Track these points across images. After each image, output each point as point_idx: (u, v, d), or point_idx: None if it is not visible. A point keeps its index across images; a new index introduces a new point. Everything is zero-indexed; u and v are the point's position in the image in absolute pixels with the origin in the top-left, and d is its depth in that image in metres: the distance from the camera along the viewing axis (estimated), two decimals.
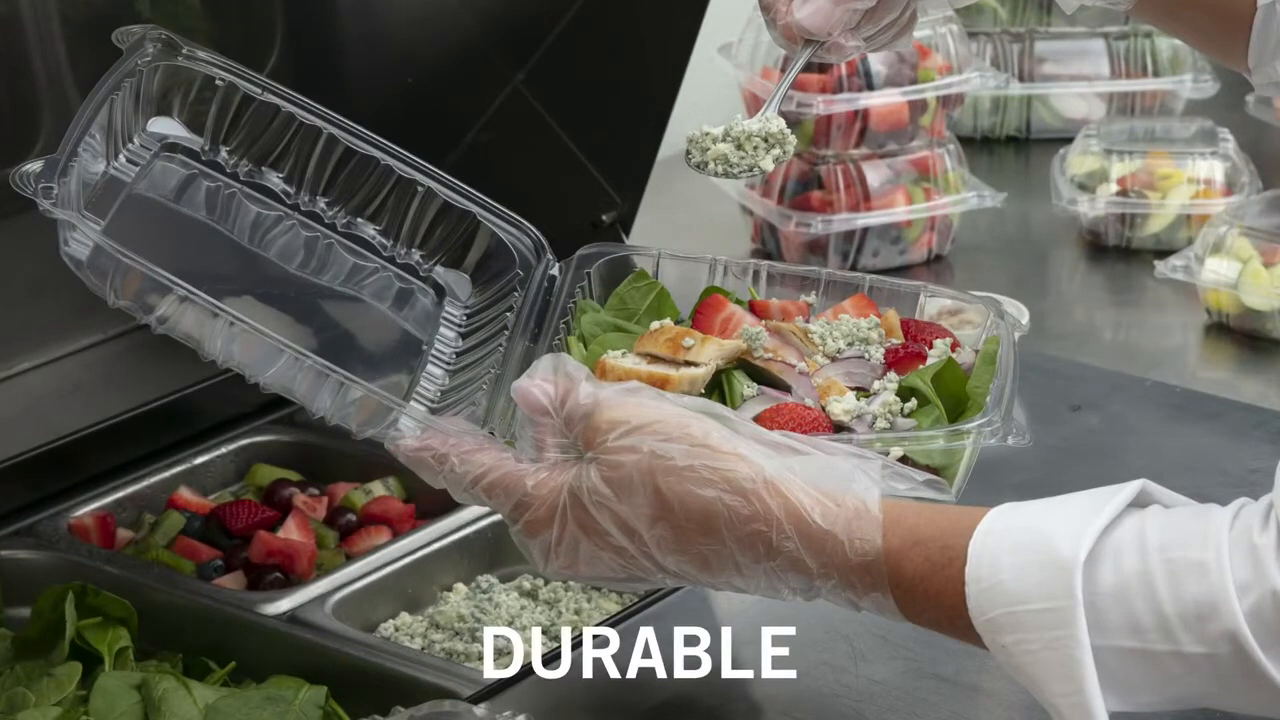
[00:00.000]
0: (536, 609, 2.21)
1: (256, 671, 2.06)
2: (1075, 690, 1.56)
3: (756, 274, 1.99)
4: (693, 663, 1.97)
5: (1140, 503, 1.62)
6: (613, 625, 2.03)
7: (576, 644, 1.99)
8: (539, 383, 1.71)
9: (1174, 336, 2.66)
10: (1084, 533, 1.57)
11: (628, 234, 2.63)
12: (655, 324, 1.89)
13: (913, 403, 1.81)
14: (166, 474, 2.35)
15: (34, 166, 1.76)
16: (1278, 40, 1.98)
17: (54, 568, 2.17)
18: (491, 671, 2.05)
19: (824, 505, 1.64)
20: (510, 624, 2.18)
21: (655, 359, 1.84)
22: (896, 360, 1.86)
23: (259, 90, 1.98)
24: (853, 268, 2.68)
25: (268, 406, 2.44)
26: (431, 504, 2.31)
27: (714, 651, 2.00)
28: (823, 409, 1.81)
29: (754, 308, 1.94)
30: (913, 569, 1.63)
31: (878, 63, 2.68)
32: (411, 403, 1.83)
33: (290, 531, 2.27)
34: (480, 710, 1.77)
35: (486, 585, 2.23)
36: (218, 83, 1.95)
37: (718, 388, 1.83)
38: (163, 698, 1.95)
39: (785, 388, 1.84)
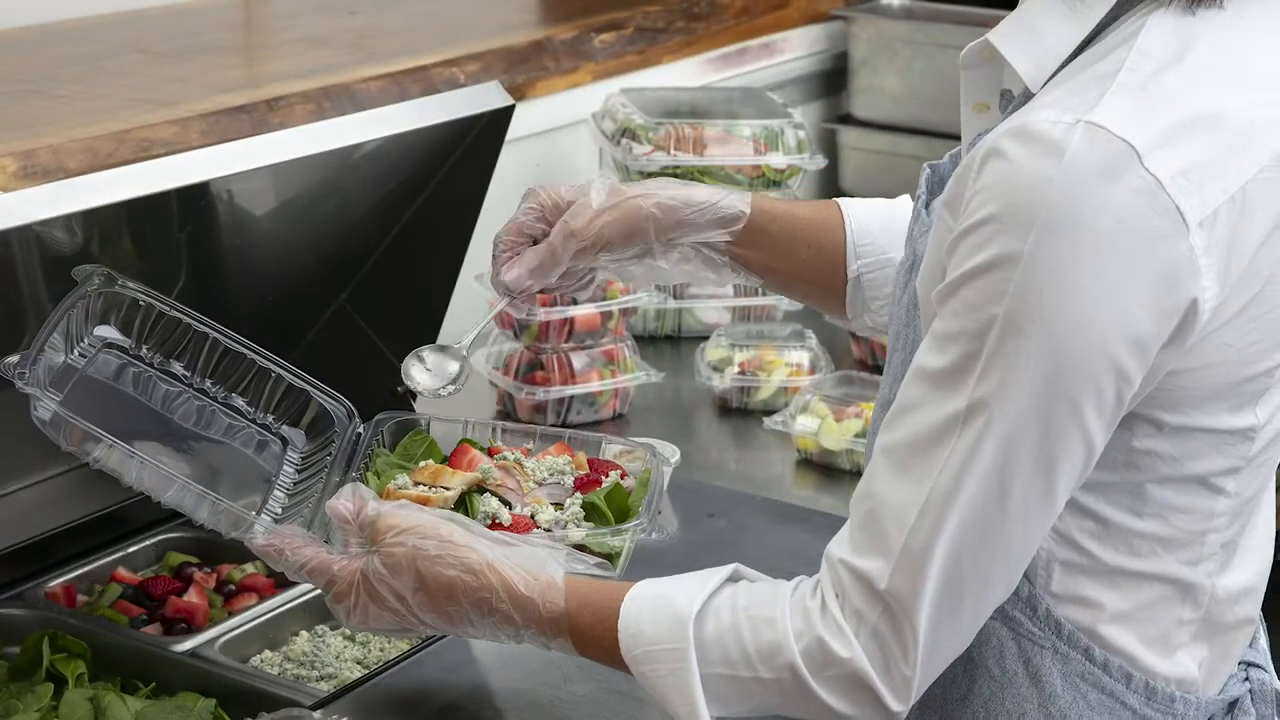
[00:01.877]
0: (355, 647, 2.22)
1: (170, 690, 2.07)
2: (689, 703, 1.61)
3: (494, 429, 2.05)
4: (458, 680, 2.02)
5: (735, 578, 1.66)
6: (406, 659, 2.06)
7: (380, 671, 2.04)
8: (343, 502, 1.76)
9: (775, 468, 2.66)
10: (695, 597, 1.62)
11: (414, 399, 2.47)
12: (423, 463, 1.95)
13: (586, 513, 1.89)
14: (109, 559, 2.33)
15: (13, 359, 1.85)
16: (864, 302, 1.95)
17: (34, 620, 2.17)
18: (323, 689, 2.09)
19: (526, 579, 1.68)
20: (337, 658, 2.19)
21: (422, 485, 1.89)
22: (581, 485, 1.93)
23: (168, 309, 2.02)
24: (563, 424, 2.68)
25: (175, 515, 2.23)
26: (285, 578, 2.13)
27: (475, 670, 2.06)
28: (532, 517, 1.87)
29: (490, 452, 1.98)
30: (584, 622, 1.66)
31: None
32: (262, 515, 1.88)
33: (192, 596, 2.26)
34: (317, 714, 1.87)
35: (322, 631, 2.24)
36: (140, 303, 2.01)
37: (463, 503, 1.88)
38: (107, 707, 1.99)
39: (508, 504, 1.88)
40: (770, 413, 2.75)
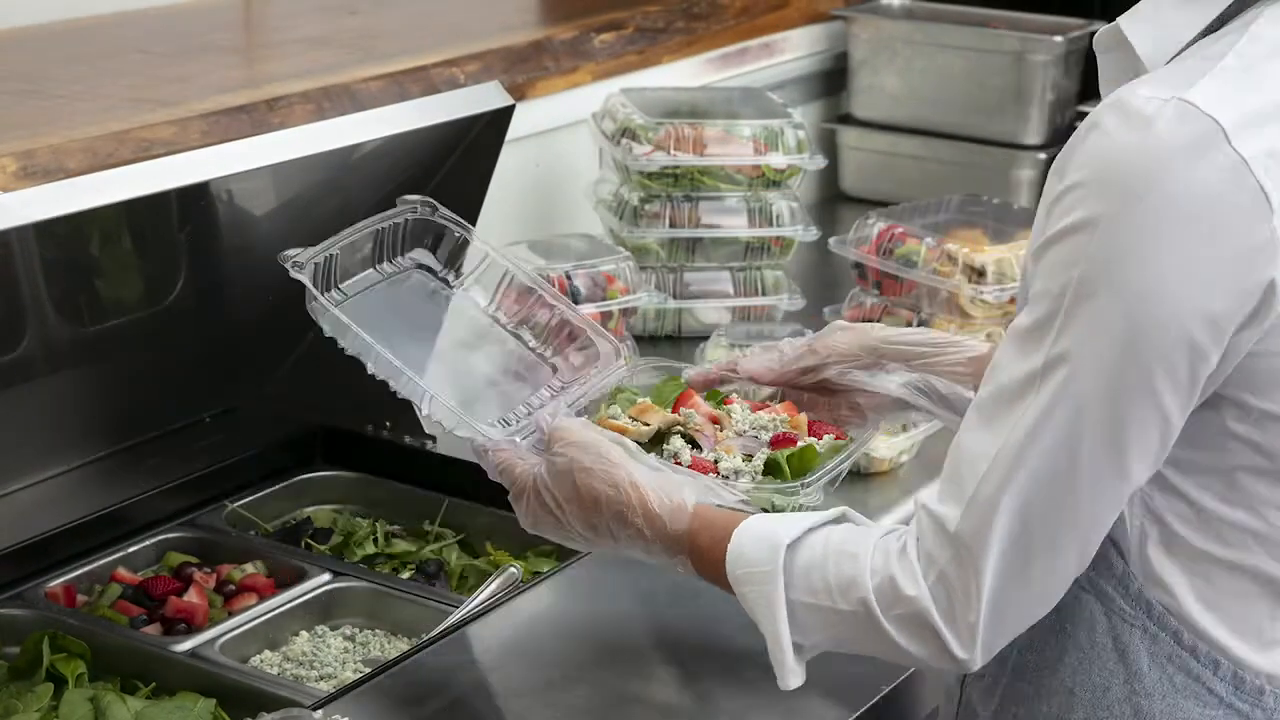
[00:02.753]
0: (353, 648, 2.24)
1: (169, 690, 2.08)
2: (773, 624, 1.70)
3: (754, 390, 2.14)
4: (458, 680, 2.02)
5: (840, 520, 1.76)
6: (406, 659, 2.04)
7: (380, 671, 2.03)
8: (546, 413, 1.93)
9: None
10: (795, 528, 1.72)
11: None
12: (641, 399, 2.08)
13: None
14: (110, 559, 2.34)
15: (292, 251, 1.94)
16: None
17: (35, 620, 2.18)
18: (323, 689, 2.10)
19: (660, 498, 1.80)
20: (337, 658, 2.21)
21: (629, 419, 2.03)
22: (777, 441, 2.02)
23: (472, 239, 2.11)
24: None
25: (176, 514, 2.42)
26: (285, 578, 2.32)
27: (475, 670, 2.06)
28: (715, 463, 1.98)
29: (725, 402, 2.10)
30: (702, 543, 1.78)
31: (580, 285, 2.70)
32: (474, 420, 1.94)
33: (191, 597, 2.27)
34: (317, 714, 1.86)
35: (321, 632, 2.26)
36: (454, 234, 2.11)
37: (658, 441, 2.01)
38: (107, 707, 2.01)
39: (698, 446, 2.01)
40: None
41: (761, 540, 1.73)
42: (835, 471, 2.01)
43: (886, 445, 2.58)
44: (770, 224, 3.06)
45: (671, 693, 2.02)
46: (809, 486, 1.97)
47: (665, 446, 2.01)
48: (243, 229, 2.32)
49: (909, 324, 2.93)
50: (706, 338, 2.87)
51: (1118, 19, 1.66)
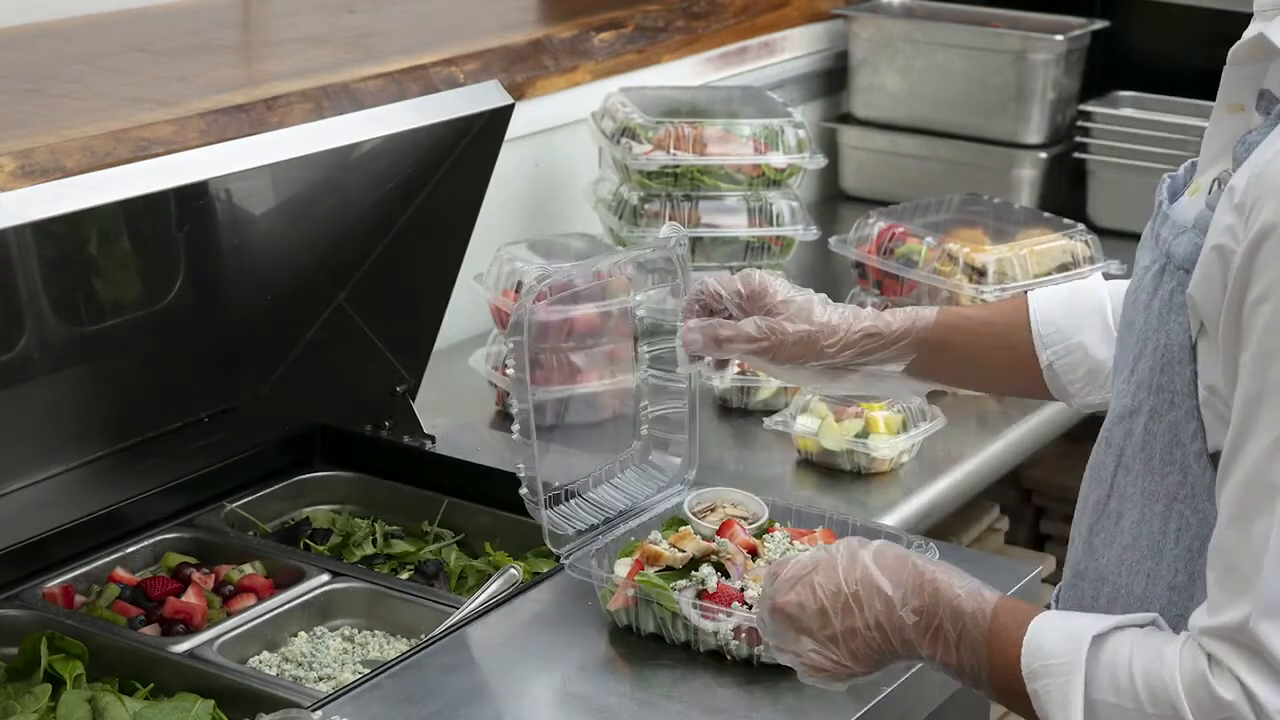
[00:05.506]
0: (352, 649, 2.23)
1: (168, 691, 2.07)
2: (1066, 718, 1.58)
3: (792, 513, 2.23)
4: (457, 680, 2.01)
5: (1155, 625, 1.62)
6: (405, 659, 2.05)
7: (378, 671, 2.04)
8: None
9: (776, 468, 2.65)
10: (1101, 623, 1.60)
11: (413, 399, 2.59)
12: (683, 528, 2.17)
13: None
14: (107, 559, 2.33)
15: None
16: (1062, 386, 1.97)
17: (32, 621, 2.18)
18: (322, 689, 2.10)
19: (963, 581, 1.68)
20: (335, 659, 2.20)
21: (671, 544, 2.11)
22: None
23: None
24: (563, 423, 2.52)
25: (173, 516, 2.42)
26: (284, 578, 2.32)
27: (474, 670, 2.07)
28: (741, 590, 2.04)
29: (769, 530, 2.17)
30: (1001, 623, 1.64)
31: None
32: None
33: (190, 597, 2.27)
34: (316, 715, 1.87)
35: (320, 633, 2.25)
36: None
37: (691, 567, 2.08)
38: (105, 708, 2.01)
39: (727, 575, 2.07)
40: (770, 413, 2.75)
41: (1064, 632, 1.61)
42: None
43: (888, 445, 2.60)
44: (770, 223, 3.06)
45: (673, 692, 2.02)
46: None
47: (694, 573, 2.06)
48: (241, 228, 2.32)
49: None
50: None
51: (1261, 28, 1.57)
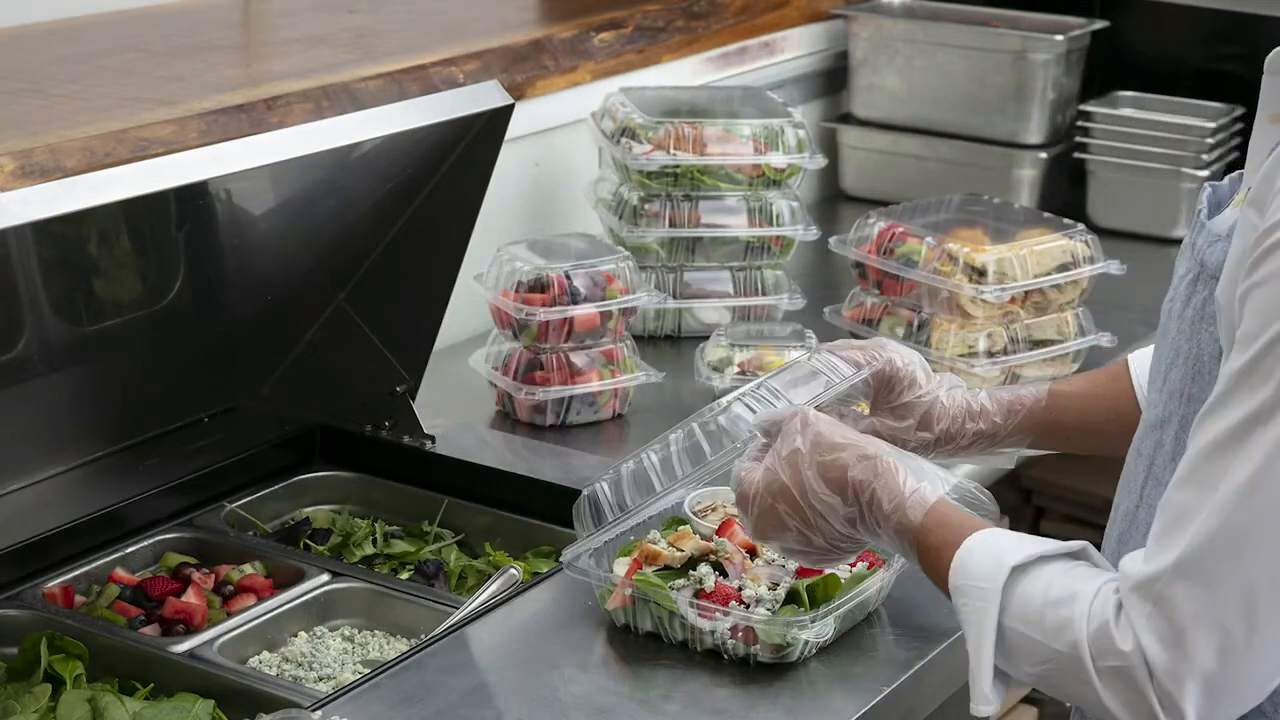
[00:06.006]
0: (352, 649, 2.24)
1: (168, 691, 2.08)
2: (979, 642, 1.64)
3: None
4: (457, 680, 2.01)
5: (1079, 556, 1.66)
6: (405, 659, 2.05)
7: (379, 671, 2.04)
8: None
9: None
10: (1024, 552, 1.65)
11: (413, 399, 2.59)
12: (682, 528, 2.17)
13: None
14: (108, 559, 2.34)
15: None
16: None
17: (32, 621, 2.18)
18: (322, 690, 2.11)
19: (910, 480, 1.77)
20: (335, 659, 2.21)
21: (669, 543, 2.13)
22: (803, 570, 2.06)
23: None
24: (563, 423, 2.71)
25: (173, 515, 2.43)
26: (284, 578, 2.32)
27: (474, 671, 2.07)
28: (739, 589, 2.05)
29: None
30: (931, 541, 1.74)
31: (580, 285, 2.67)
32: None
33: (190, 597, 2.27)
34: (316, 715, 1.87)
35: (320, 633, 2.26)
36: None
37: (690, 566, 2.09)
38: (105, 708, 2.01)
39: (725, 574, 2.08)
40: None
41: (989, 556, 1.67)
42: (855, 601, 2.05)
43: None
44: (770, 223, 3.06)
45: (671, 692, 2.02)
46: (817, 620, 2.01)
47: (693, 573, 2.07)
48: (241, 228, 2.32)
49: (909, 324, 2.95)
50: (706, 338, 2.88)
51: None
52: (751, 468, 1.87)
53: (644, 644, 2.11)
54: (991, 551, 1.67)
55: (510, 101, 2.40)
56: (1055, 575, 1.63)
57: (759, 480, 1.85)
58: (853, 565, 2.11)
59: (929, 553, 1.74)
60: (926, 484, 1.78)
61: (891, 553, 1.85)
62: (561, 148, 3.23)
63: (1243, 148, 3.46)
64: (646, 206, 3.02)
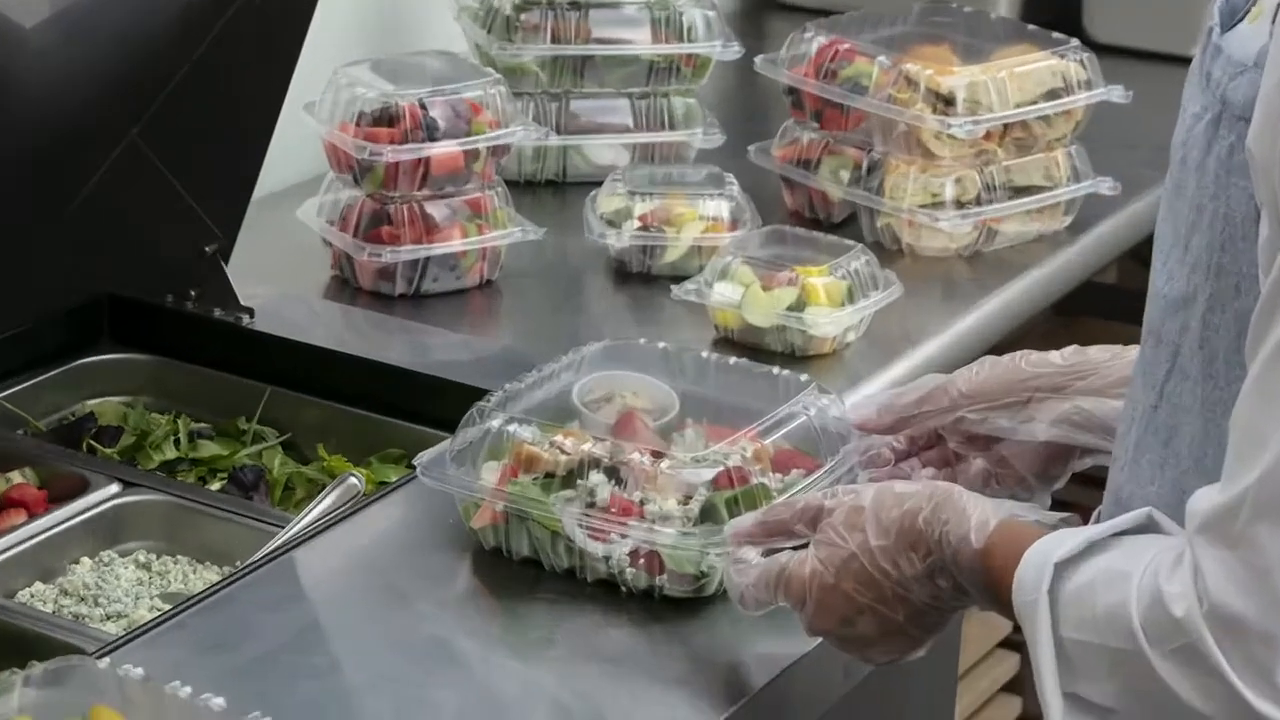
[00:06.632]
0: (149, 579, 2.25)
1: None
2: (1038, 667, 1.63)
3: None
4: (281, 619, 2.04)
5: (1142, 528, 1.66)
6: (215, 592, 2.07)
7: (183, 607, 2.04)
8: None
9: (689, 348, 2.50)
10: (1071, 542, 1.65)
11: (226, 262, 2.62)
12: (567, 425, 2.17)
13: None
14: None
15: None
16: None
17: None
18: (110, 631, 2.10)
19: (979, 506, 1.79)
20: (128, 593, 2.21)
21: (552, 444, 2.11)
22: (721, 481, 2.05)
23: None
24: (416, 291, 2.72)
25: None
26: (62, 490, 2.32)
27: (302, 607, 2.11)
28: (641, 504, 2.05)
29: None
30: (995, 564, 1.73)
31: (437, 117, 2.68)
32: None
33: None
34: (103, 664, 1.82)
35: (108, 559, 2.25)
36: None
37: (579, 474, 2.08)
38: None
39: (623, 483, 2.07)
40: (680, 279, 2.75)
41: (1038, 563, 1.67)
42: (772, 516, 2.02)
43: (829, 320, 2.62)
44: (680, 38, 3.07)
45: (554, 634, 2.05)
46: (695, 541, 2.03)
47: (581, 482, 2.06)
48: (7, 47, 2.30)
49: (856, 166, 2.98)
50: (599, 184, 2.91)
51: None
52: (799, 557, 1.88)
53: (520, 573, 2.13)
54: (1041, 554, 1.67)
55: None
56: (1112, 559, 1.64)
57: (811, 560, 1.86)
58: (785, 472, 2.12)
59: (995, 583, 1.74)
60: (992, 506, 1.79)
61: (985, 608, 1.82)
62: None
63: None
64: (523, 17, 3.03)
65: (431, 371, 2.48)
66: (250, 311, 2.65)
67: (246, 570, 2.13)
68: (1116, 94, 2.99)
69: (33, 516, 2.29)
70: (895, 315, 2.74)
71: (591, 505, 2.07)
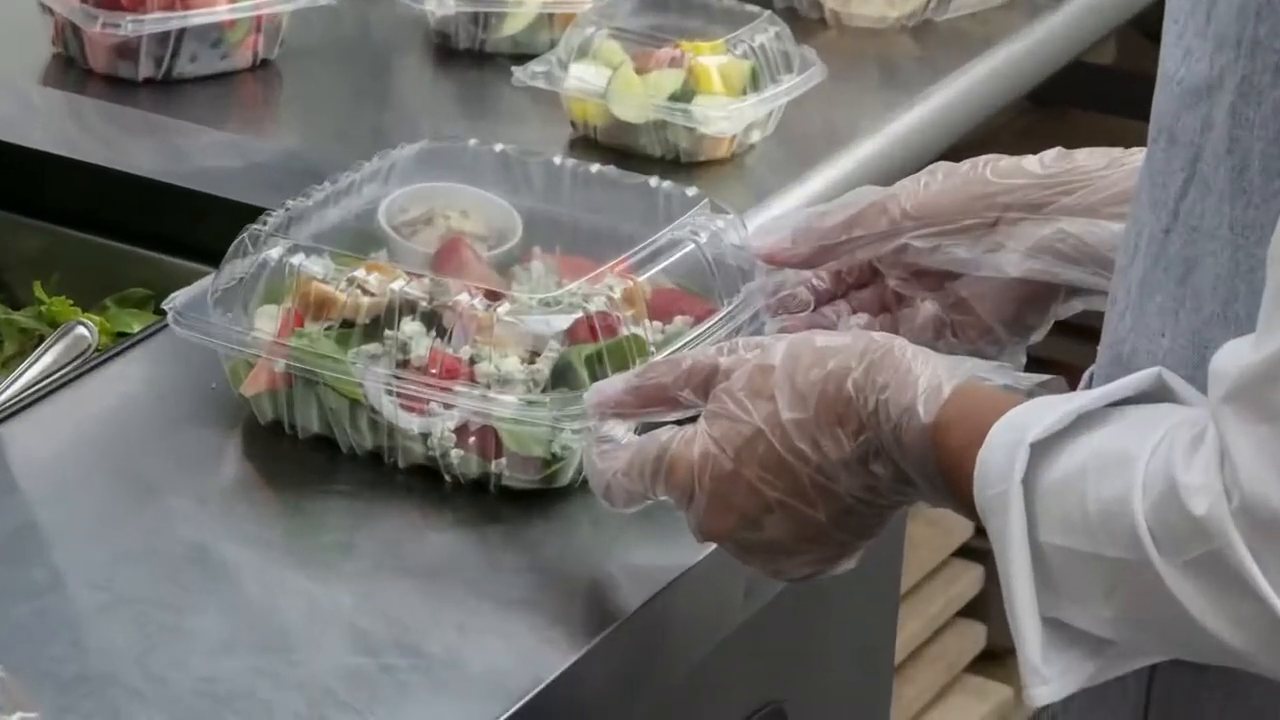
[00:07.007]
0: None
1: None
2: (1008, 582, 1.59)
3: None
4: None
5: (1146, 395, 1.62)
6: None
7: None
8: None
9: (537, 150, 2.53)
10: (1050, 415, 1.60)
11: None
12: (371, 256, 2.13)
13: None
14: None
15: None
16: None
17: None
18: None
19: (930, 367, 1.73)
20: None
21: (351, 282, 2.04)
22: (576, 332, 2.01)
23: None
24: (167, 75, 2.68)
25: None
26: None
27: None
28: (471, 363, 1.98)
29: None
30: (954, 443, 1.66)
31: None
32: None
33: None
34: None
35: None
36: None
37: (387, 323, 2.01)
38: None
39: (446, 335, 2.02)
40: (525, 58, 2.71)
41: (1008, 444, 1.61)
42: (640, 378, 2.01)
43: (725, 114, 2.61)
44: None
45: (353, 539, 1.99)
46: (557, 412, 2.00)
47: (390, 333, 2.01)
48: None
49: None
50: None
51: None
52: (686, 435, 1.82)
53: (308, 456, 2.08)
54: (1014, 430, 1.61)
55: None
56: (1108, 438, 1.57)
57: (702, 439, 1.81)
58: (667, 320, 2.09)
59: (950, 470, 1.68)
60: (947, 366, 1.73)
61: (936, 504, 1.79)
62: None
63: None
64: None
65: (188, 184, 2.46)
66: None
67: None
68: None
69: None
70: (816, 107, 2.74)
71: (404, 364, 2.01)
